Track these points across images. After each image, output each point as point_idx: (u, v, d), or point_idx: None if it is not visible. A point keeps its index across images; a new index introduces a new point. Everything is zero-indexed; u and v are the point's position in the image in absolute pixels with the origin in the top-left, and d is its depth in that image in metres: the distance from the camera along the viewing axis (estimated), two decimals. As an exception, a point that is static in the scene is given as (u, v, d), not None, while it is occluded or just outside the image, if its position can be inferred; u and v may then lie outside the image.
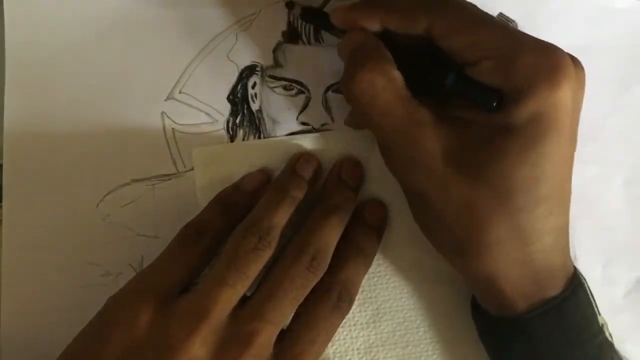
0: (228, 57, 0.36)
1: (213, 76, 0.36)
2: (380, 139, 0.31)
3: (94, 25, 0.36)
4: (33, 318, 0.35)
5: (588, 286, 0.31)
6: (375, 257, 0.35)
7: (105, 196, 0.35)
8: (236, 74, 0.36)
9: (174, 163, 0.36)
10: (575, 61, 0.29)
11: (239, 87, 0.36)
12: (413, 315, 0.35)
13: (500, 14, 0.31)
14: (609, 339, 0.30)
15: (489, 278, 0.30)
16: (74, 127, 0.35)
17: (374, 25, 0.31)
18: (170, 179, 0.36)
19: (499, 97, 0.28)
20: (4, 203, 0.35)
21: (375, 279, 0.35)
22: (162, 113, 0.36)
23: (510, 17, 0.32)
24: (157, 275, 0.32)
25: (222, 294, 0.30)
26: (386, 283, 0.35)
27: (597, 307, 0.31)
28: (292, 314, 0.32)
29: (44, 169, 0.35)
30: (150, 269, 0.32)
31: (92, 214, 0.35)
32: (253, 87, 0.36)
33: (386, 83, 0.29)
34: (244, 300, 0.31)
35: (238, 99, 0.36)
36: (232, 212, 0.34)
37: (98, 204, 0.35)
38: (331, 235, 0.32)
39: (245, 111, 0.36)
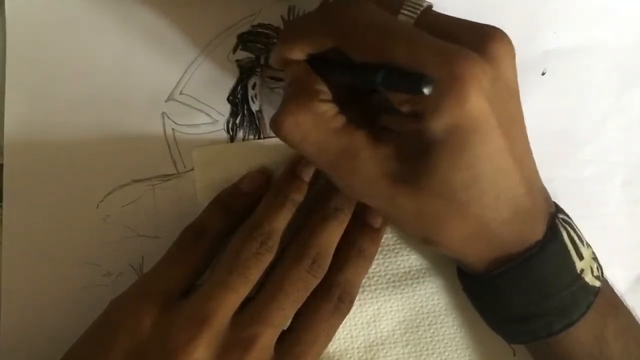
0: (228, 58, 0.36)
1: (213, 77, 0.36)
2: (322, 171, 0.31)
3: (94, 25, 0.36)
4: (33, 318, 0.35)
5: (572, 229, 0.31)
6: (375, 257, 0.35)
7: (105, 196, 0.35)
8: (236, 75, 0.36)
9: (174, 163, 0.36)
10: (487, 40, 0.28)
11: (239, 87, 0.36)
12: (413, 315, 0.35)
13: None
14: (591, 283, 0.31)
15: (457, 256, 0.32)
16: (74, 128, 0.35)
17: (299, 55, 0.30)
18: (170, 180, 0.36)
19: (430, 80, 0.25)
20: (4, 203, 0.35)
21: (375, 279, 0.35)
22: (163, 114, 0.36)
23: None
24: (159, 278, 0.32)
25: (225, 298, 0.30)
26: (386, 283, 0.35)
27: (578, 252, 0.31)
28: (293, 315, 0.32)
29: (44, 169, 0.35)
30: (152, 272, 0.32)
31: (93, 214, 0.35)
32: (253, 87, 0.36)
33: (313, 121, 0.29)
34: (244, 302, 0.31)
35: (238, 99, 0.36)
36: (233, 212, 0.34)
37: (98, 205, 0.35)
38: (331, 238, 0.32)
39: (245, 112, 0.36)
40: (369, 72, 0.27)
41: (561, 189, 0.37)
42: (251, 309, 0.31)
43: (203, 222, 0.33)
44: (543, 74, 0.38)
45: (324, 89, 0.29)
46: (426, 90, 0.25)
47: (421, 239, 0.31)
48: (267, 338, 0.31)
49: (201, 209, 0.34)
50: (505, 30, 0.36)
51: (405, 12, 0.29)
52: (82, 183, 0.35)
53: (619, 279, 0.37)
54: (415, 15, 0.29)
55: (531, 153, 0.31)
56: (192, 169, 0.36)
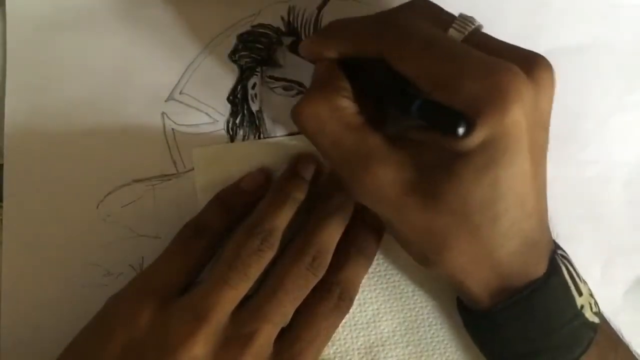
0: (228, 58, 0.36)
1: (213, 77, 0.36)
2: (333, 168, 0.31)
3: (94, 25, 0.36)
4: (33, 318, 0.35)
5: (570, 267, 0.31)
6: (375, 257, 0.35)
7: (105, 196, 0.35)
8: (236, 75, 0.36)
9: (174, 163, 0.36)
10: (533, 66, 0.28)
11: (238, 87, 0.36)
12: (413, 315, 0.35)
13: (461, 16, 0.30)
14: (590, 319, 0.30)
15: (458, 282, 0.31)
16: (74, 128, 0.35)
17: (332, 53, 0.30)
18: (170, 179, 0.36)
19: (468, 124, 0.26)
20: (4, 203, 0.35)
21: (375, 279, 0.35)
22: (163, 114, 0.36)
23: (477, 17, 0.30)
24: (157, 275, 0.32)
25: (224, 295, 0.30)
26: (386, 283, 0.35)
27: (577, 289, 0.30)
28: (292, 313, 0.32)
29: (44, 169, 0.35)
30: (151, 269, 0.32)
31: (93, 214, 0.35)
32: (253, 87, 0.36)
33: (332, 112, 0.29)
34: (244, 299, 0.31)
35: (238, 99, 0.36)
36: (232, 211, 0.34)
37: (98, 205, 0.35)
38: (332, 236, 0.32)
39: (245, 111, 0.36)
40: (405, 96, 0.28)
41: (563, 189, 0.37)
42: (251, 306, 0.31)
43: (202, 220, 0.33)
44: (544, 73, 0.37)
45: (347, 87, 0.30)
46: (460, 130, 0.25)
47: (420, 259, 0.31)
48: (267, 335, 0.31)
49: (201, 208, 0.34)
50: (507, 30, 0.36)
51: (456, 27, 0.29)
52: (82, 183, 0.35)
53: (620, 279, 0.37)
54: (465, 32, 0.29)
55: (546, 189, 0.30)
56: (192, 169, 0.36)
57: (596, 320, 0.31)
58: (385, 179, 0.29)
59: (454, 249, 0.29)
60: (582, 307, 0.30)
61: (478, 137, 0.26)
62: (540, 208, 0.30)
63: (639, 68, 0.38)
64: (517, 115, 0.26)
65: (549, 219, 0.31)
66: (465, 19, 0.29)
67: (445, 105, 0.27)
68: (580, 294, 0.30)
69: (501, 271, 0.30)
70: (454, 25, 0.29)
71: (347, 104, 0.29)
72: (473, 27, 0.29)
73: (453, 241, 0.29)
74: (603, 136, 0.38)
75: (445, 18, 0.30)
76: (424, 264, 0.31)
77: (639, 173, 0.38)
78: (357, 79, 0.30)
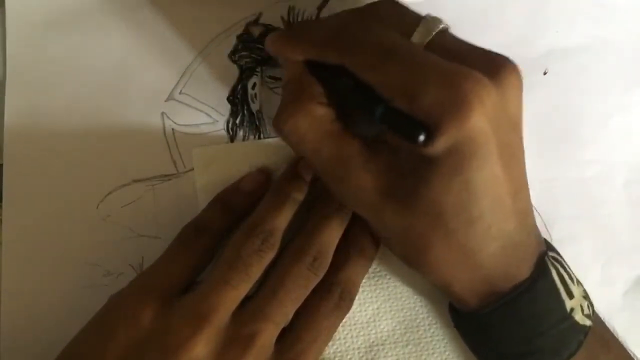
0: (228, 58, 0.36)
1: (213, 77, 0.36)
2: (316, 173, 0.32)
3: (94, 25, 0.36)
4: (33, 318, 0.35)
5: (562, 268, 0.31)
6: (375, 257, 0.35)
7: (105, 196, 0.35)
8: (236, 75, 0.36)
9: (174, 163, 0.36)
10: (499, 69, 0.28)
11: (239, 87, 0.36)
12: (413, 314, 0.35)
13: (428, 17, 0.29)
14: (581, 322, 0.30)
15: (442, 285, 0.31)
16: (74, 128, 0.35)
17: (298, 56, 0.31)
18: (170, 180, 0.36)
19: (427, 132, 0.26)
20: (4, 203, 0.35)
21: (376, 279, 0.35)
22: (163, 113, 0.36)
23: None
24: (158, 274, 0.32)
25: (225, 295, 0.30)
26: (386, 283, 0.35)
27: (568, 291, 0.30)
28: (293, 313, 0.32)
29: (44, 169, 0.35)
30: (152, 269, 0.32)
31: (93, 214, 0.35)
32: (253, 87, 0.36)
33: (310, 122, 0.29)
34: (245, 299, 0.31)
35: (238, 99, 0.36)
36: (232, 211, 0.34)
37: (98, 205, 0.35)
38: (332, 236, 0.32)
39: (245, 112, 0.36)
40: (369, 102, 0.28)
41: (563, 189, 0.37)
42: (252, 306, 0.31)
43: (203, 220, 0.33)
44: (545, 73, 0.37)
45: (321, 92, 0.30)
46: (421, 138, 0.26)
47: (405, 260, 0.32)
48: (268, 335, 0.31)
49: (201, 209, 0.34)
50: (507, 29, 0.36)
51: (420, 32, 0.29)
52: (82, 183, 0.35)
53: (620, 279, 0.37)
54: (430, 35, 0.29)
55: (528, 190, 0.30)
56: (192, 169, 0.36)
57: (587, 322, 0.31)
58: (363, 184, 0.30)
59: (432, 253, 0.30)
60: (572, 310, 0.30)
61: (440, 144, 0.26)
62: (519, 209, 0.29)
63: (639, 68, 0.38)
64: (479, 122, 0.26)
65: (535, 219, 0.31)
66: (431, 21, 0.29)
67: (405, 113, 0.27)
68: (571, 296, 0.30)
69: (484, 273, 0.30)
70: (418, 29, 0.29)
71: (323, 112, 0.30)
72: (438, 29, 0.29)
73: (431, 245, 0.29)
74: (603, 136, 0.38)
75: (410, 20, 0.30)
76: (409, 265, 0.32)
77: (639, 173, 0.38)
78: (327, 80, 0.30)
